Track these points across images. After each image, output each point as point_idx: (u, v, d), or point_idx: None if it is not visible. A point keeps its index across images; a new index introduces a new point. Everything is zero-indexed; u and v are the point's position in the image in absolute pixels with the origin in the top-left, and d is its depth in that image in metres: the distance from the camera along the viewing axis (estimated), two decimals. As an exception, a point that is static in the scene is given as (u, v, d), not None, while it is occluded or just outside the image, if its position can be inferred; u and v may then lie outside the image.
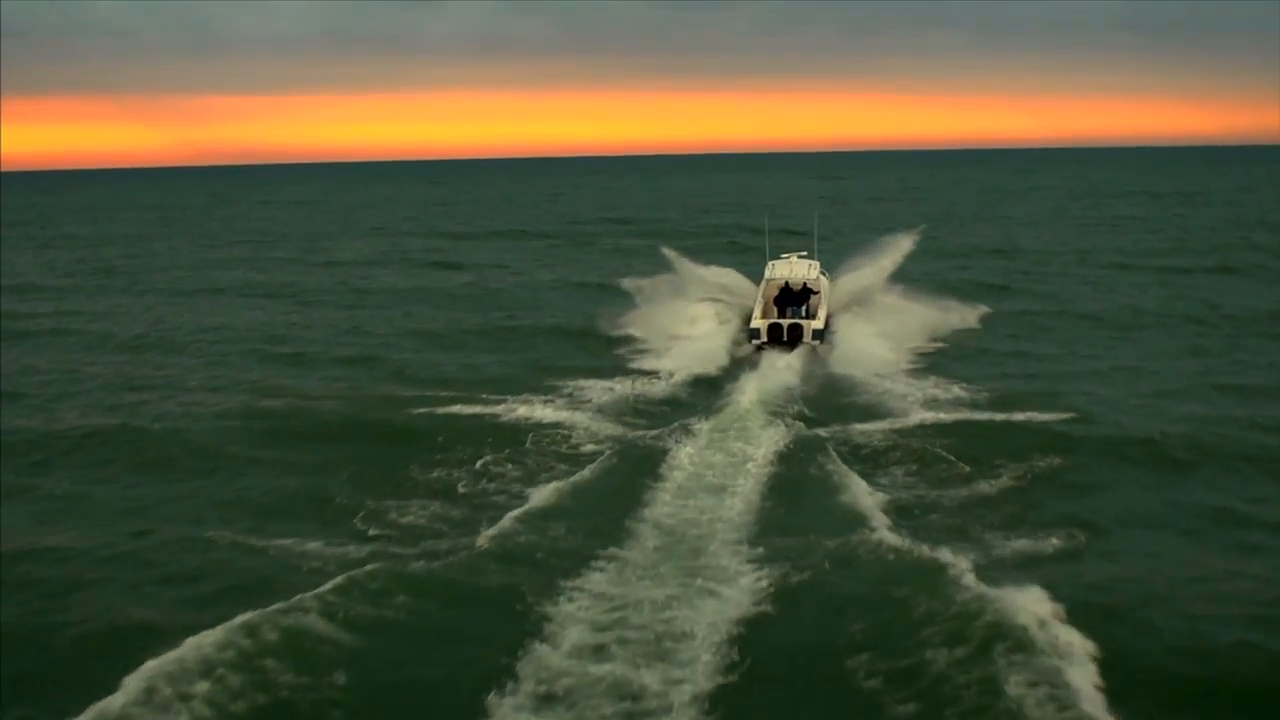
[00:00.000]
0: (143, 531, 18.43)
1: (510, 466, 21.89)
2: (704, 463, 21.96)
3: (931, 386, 28.71)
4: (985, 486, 20.82)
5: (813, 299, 35.83)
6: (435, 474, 21.24)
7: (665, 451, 22.50)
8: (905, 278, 40.30)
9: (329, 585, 14.50)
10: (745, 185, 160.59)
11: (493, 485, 20.79)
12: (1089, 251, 59.23)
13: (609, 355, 32.97)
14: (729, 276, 40.51)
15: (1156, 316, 39.06)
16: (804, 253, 38.06)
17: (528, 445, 23.23)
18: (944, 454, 22.68)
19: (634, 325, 36.13)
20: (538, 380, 29.26)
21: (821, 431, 24.49)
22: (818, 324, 34.24)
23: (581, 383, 29.14)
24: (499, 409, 25.91)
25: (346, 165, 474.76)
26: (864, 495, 19.81)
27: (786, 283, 36.12)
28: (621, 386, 28.86)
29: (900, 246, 43.23)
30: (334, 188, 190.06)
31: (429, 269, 58.04)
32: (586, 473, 20.93)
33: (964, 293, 41.82)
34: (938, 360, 32.24)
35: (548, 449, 23.13)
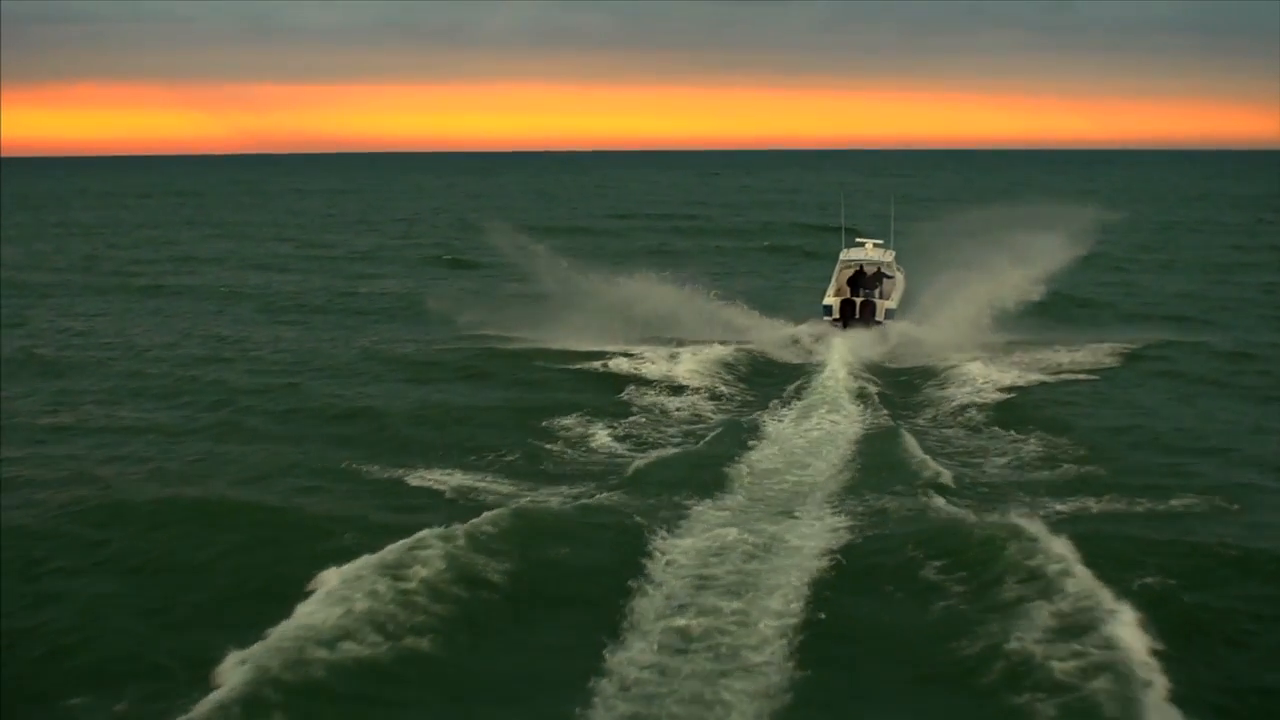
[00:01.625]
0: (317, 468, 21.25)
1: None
2: (780, 437, 23.37)
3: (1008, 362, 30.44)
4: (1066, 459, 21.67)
5: (885, 283, 36.64)
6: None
7: (745, 427, 24.03)
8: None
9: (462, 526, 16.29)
10: (800, 181, 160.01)
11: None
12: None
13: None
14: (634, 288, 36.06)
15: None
16: (879, 240, 38.82)
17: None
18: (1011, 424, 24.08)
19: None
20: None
21: (893, 407, 26.03)
22: (890, 303, 35.19)
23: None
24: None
25: (402, 155, 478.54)
26: (931, 467, 20.78)
27: (861, 266, 36.87)
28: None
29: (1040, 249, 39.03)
30: (380, 177, 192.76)
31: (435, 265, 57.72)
32: (679, 440, 23.40)
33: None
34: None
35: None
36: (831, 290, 36.08)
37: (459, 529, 16.01)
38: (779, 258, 60.54)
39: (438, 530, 15.83)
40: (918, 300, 36.42)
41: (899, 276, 37.18)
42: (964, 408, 26.19)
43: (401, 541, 15.40)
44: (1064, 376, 29.10)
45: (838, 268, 37.33)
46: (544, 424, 24.10)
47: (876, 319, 34.59)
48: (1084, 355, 31.57)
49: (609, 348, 31.70)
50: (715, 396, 27.55)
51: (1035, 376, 28.97)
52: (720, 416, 25.49)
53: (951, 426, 24.84)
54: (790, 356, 32.18)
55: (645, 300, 34.90)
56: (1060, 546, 15.32)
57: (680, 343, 32.91)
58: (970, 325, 33.81)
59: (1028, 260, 37.14)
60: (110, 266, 56.22)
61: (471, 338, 33.83)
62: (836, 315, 34.80)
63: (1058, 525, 16.66)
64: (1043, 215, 42.47)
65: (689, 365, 30.15)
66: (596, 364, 30.22)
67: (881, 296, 35.68)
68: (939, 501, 18.72)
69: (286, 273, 53.81)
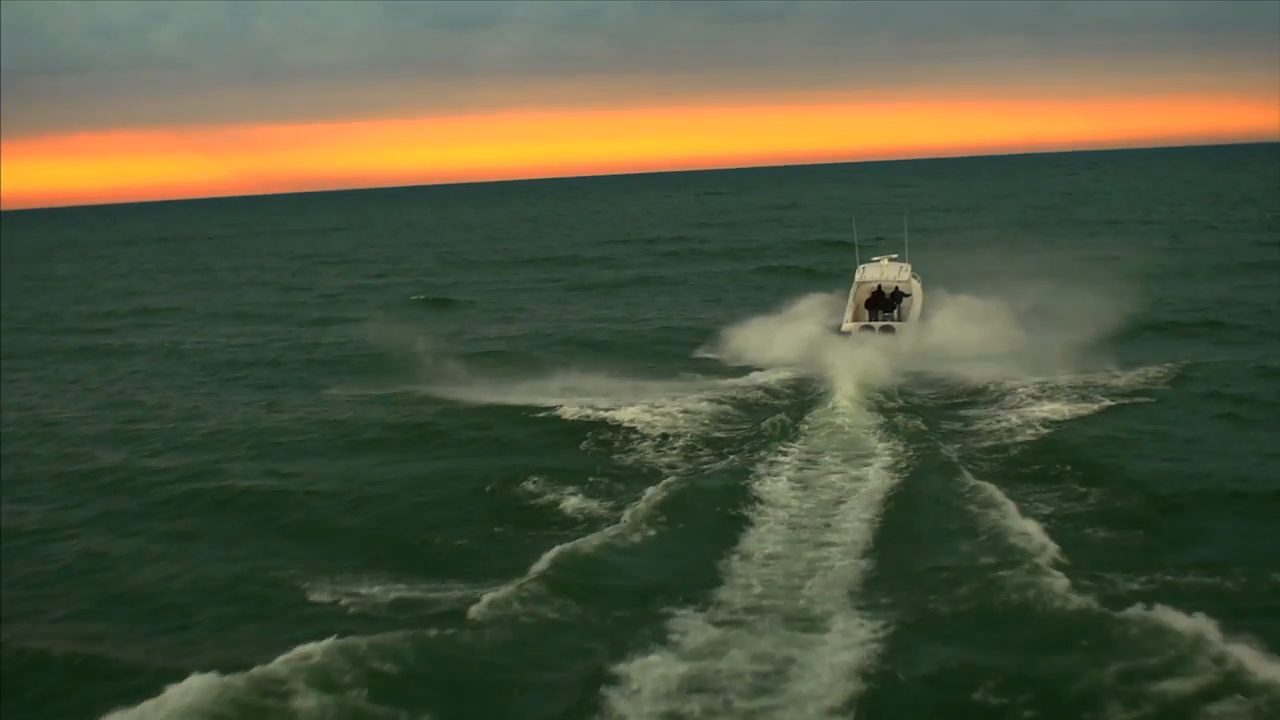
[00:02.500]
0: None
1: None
2: (786, 498, 19.24)
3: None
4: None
5: (904, 302, 33.44)
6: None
7: (765, 457, 21.35)
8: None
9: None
10: (806, 196, 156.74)
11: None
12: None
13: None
14: None
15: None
16: (894, 255, 35.41)
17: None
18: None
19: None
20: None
21: (923, 425, 23.43)
22: (910, 325, 32.00)
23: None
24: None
25: (401, 189, 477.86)
26: (1032, 535, 16.55)
27: (879, 286, 33.64)
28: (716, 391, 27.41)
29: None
30: (377, 212, 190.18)
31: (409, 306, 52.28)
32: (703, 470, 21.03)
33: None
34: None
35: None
36: (849, 314, 32.90)
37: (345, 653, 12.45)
38: (779, 278, 55.72)
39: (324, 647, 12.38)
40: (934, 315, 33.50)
41: (916, 289, 34.22)
42: (1003, 442, 22.35)
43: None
44: (1107, 404, 25.07)
45: (853, 289, 34.33)
46: (486, 498, 20.01)
47: (898, 347, 30.77)
48: (1127, 380, 27.23)
49: (578, 394, 27.40)
50: (705, 444, 23.16)
51: (1079, 403, 25.10)
52: (714, 471, 21.08)
53: (999, 464, 20.98)
54: (790, 391, 27.82)
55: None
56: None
57: (668, 379, 29.34)
58: (993, 337, 30.60)
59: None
60: (59, 324, 51.73)
61: (427, 394, 28.95)
62: (854, 342, 31.01)
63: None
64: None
65: (673, 408, 25.70)
66: (562, 413, 25.69)
67: (901, 318, 32.39)
68: (1055, 584, 14.30)
69: (247, 322, 49.10)
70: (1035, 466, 20.51)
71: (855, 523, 17.44)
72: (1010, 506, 17.29)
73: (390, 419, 26.44)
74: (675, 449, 22.67)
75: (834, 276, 45.19)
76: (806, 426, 23.43)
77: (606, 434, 23.76)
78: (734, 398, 26.70)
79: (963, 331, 30.90)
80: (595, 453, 22.71)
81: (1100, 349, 29.69)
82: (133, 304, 59.70)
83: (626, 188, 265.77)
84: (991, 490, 18.24)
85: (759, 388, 27.77)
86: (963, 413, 24.96)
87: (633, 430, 23.79)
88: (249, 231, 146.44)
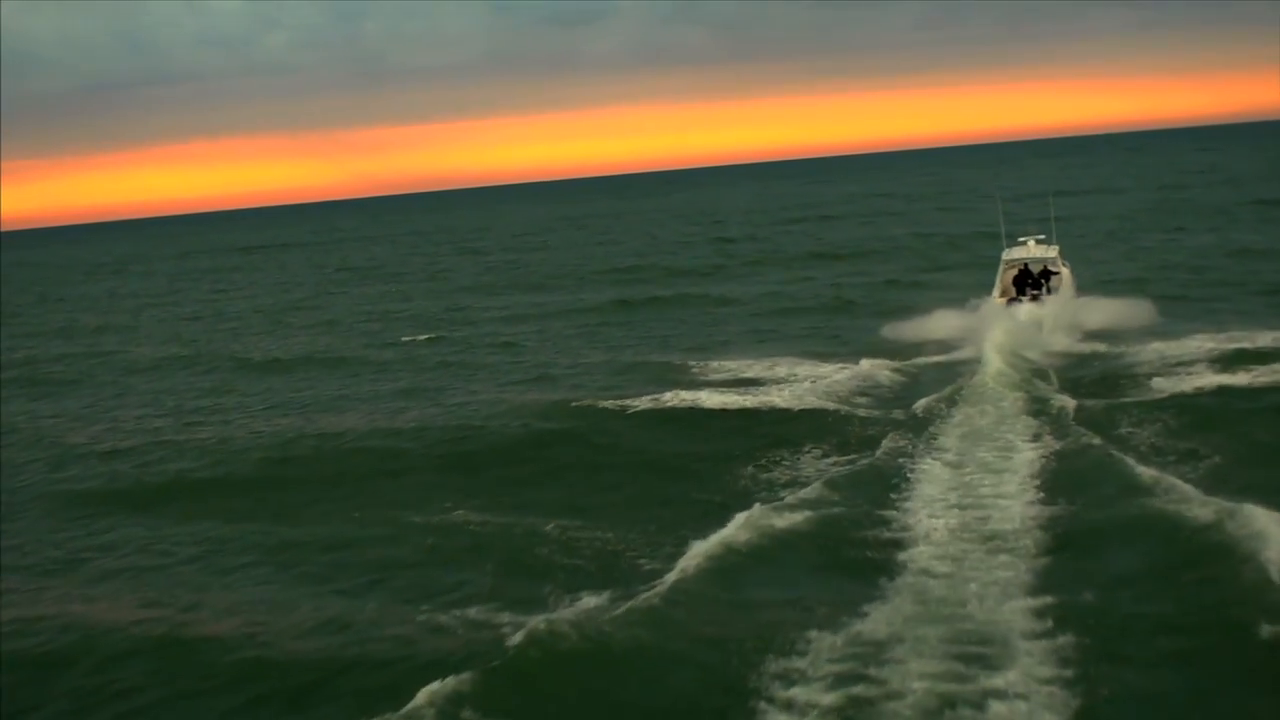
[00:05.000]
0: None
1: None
2: (948, 482, 19.27)
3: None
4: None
5: (1053, 279, 34.60)
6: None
7: (925, 431, 21.96)
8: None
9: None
10: (902, 183, 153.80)
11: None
12: None
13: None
14: None
15: None
16: (1041, 235, 36.63)
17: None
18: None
19: None
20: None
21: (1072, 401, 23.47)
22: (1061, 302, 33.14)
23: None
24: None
25: (511, 187, 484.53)
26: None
27: (1025, 265, 34.95)
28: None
29: None
30: (479, 212, 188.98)
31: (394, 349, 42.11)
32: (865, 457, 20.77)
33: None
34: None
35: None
36: (997, 292, 34.19)
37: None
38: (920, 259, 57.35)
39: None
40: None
41: (1065, 272, 35.11)
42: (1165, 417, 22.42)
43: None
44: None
45: (1001, 268, 35.42)
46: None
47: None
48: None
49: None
50: (849, 427, 23.38)
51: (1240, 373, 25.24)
52: (859, 458, 21.01)
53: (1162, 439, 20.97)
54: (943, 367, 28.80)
55: None
56: None
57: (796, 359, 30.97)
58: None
59: None
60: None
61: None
62: (1006, 321, 32.62)
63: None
64: None
65: (806, 386, 26.99)
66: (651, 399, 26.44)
67: (1050, 294, 33.51)
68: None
69: (180, 370, 39.86)
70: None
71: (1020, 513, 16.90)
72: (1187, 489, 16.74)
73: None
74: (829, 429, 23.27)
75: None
76: (956, 407, 23.64)
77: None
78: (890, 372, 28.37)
79: (1116, 307, 32.41)
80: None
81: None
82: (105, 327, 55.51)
83: (736, 177, 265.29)
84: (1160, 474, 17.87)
85: (909, 366, 29.15)
86: (1121, 386, 25.14)
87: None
88: (328, 236, 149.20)
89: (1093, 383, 26.01)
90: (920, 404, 24.25)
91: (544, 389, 30.04)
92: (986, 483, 18.47)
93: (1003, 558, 15.02)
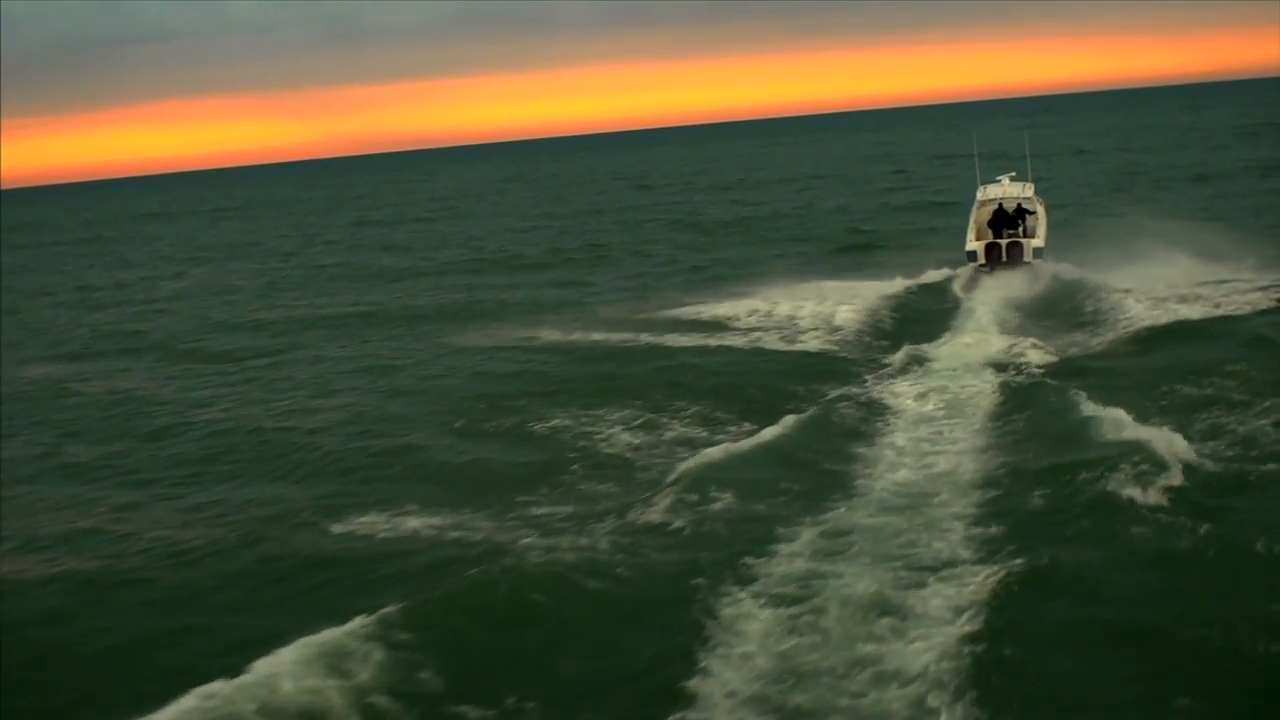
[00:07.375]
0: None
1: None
2: (933, 394, 20.19)
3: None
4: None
5: (1029, 219, 34.65)
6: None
7: (893, 383, 21.64)
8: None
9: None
10: (866, 143, 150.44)
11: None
12: None
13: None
14: None
15: None
16: (1013, 173, 36.58)
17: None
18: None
19: None
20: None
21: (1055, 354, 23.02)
22: (1038, 242, 33.30)
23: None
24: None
25: (484, 146, 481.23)
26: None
27: (1000, 204, 34.72)
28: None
29: None
30: (453, 170, 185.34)
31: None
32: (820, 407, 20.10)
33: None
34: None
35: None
36: (972, 233, 34.10)
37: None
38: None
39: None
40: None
41: (1041, 210, 35.15)
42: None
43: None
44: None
45: (975, 207, 35.31)
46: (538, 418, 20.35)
47: (1025, 259, 32.60)
48: None
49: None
50: (832, 359, 24.14)
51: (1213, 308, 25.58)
52: (832, 387, 21.60)
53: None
54: (933, 306, 29.47)
55: None
56: None
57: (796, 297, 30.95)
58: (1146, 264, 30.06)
59: None
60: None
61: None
62: (982, 260, 32.89)
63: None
64: None
65: (807, 314, 28.26)
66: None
67: (1027, 234, 33.80)
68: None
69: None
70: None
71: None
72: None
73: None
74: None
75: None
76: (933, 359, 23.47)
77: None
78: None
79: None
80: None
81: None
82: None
83: (710, 136, 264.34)
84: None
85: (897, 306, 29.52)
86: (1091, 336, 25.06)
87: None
88: (293, 195, 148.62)
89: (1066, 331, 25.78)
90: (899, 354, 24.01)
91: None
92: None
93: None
